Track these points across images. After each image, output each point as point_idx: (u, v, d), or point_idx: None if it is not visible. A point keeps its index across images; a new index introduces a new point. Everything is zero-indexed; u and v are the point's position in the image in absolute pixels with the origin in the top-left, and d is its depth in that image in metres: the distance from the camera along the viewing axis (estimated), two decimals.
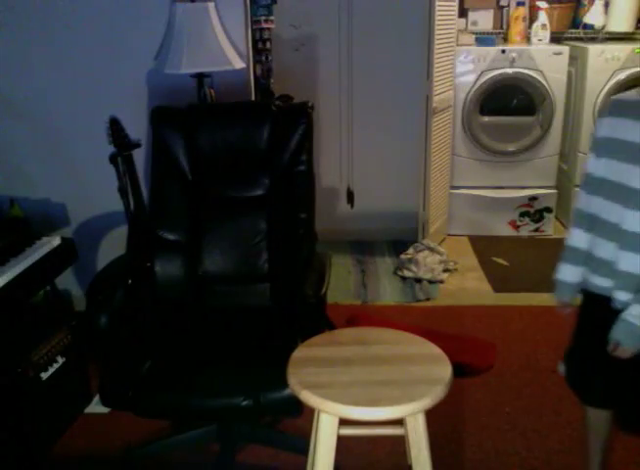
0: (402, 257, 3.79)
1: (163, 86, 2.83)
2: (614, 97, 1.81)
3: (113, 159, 2.53)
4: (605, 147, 1.69)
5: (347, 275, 3.74)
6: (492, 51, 3.90)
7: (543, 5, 4.03)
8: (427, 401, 1.46)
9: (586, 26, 4.11)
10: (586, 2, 4.08)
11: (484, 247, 4.08)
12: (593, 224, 1.73)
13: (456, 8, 3.87)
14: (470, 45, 3.97)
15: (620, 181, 1.63)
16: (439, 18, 3.52)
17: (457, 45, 3.90)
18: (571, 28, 4.18)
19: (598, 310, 1.76)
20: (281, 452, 2.24)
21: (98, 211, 3.04)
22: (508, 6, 4.16)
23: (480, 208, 4.21)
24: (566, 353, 1.93)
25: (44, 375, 2.26)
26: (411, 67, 3.82)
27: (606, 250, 1.69)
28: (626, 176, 1.61)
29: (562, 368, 1.94)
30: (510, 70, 3.91)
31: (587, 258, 1.76)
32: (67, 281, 2.99)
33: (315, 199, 2.36)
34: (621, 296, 1.66)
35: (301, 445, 1.91)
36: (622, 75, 3.83)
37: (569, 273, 1.81)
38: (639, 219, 1.60)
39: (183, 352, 2.03)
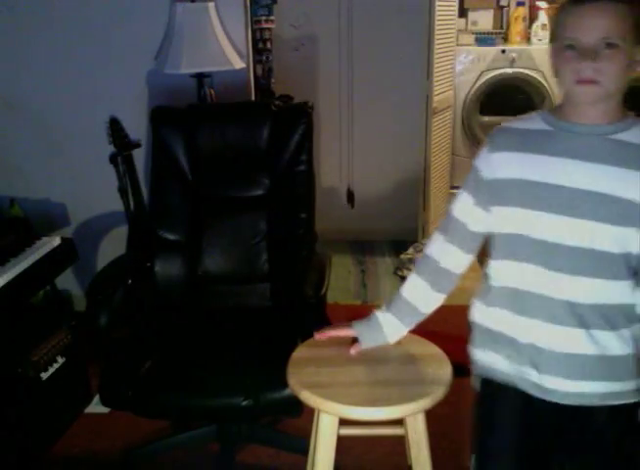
0: (402, 257, 3.78)
1: (163, 86, 2.83)
2: (514, 126, 1.42)
3: (113, 159, 2.54)
4: (516, 193, 1.34)
5: (347, 275, 3.73)
6: (492, 51, 3.91)
7: (543, 5, 4.03)
8: (427, 401, 1.46)
9: None
10: None
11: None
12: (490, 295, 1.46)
13: (456, 8, 3.86)
14: (470, 45, 3.97)
15: (549, 239, 1.30)
16: (439, 18, 3.52)
17: (457, 45, 3.91)
18: None
19: (511, 402, 1.49)
20: (281, 452, 2.24)
21: (98, 211, 3.03)
22: (508, 6, 4.16)
23: None
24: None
25: (44, 375, 2.26)
26: (411, 67, 3.81)
27: (534, 330, 1.35)
28: (555, 231, 1.29)
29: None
30: (510, 70, 3.91)
31: (492, 340, 1.46)
32: (67, 281, 2.98)
33: (315, 199, 2.36)
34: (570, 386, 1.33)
35: (301, 445, 1.91)
36: None
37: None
38: (594, 288, 1.26)
39: (183, 351, 2.03)
